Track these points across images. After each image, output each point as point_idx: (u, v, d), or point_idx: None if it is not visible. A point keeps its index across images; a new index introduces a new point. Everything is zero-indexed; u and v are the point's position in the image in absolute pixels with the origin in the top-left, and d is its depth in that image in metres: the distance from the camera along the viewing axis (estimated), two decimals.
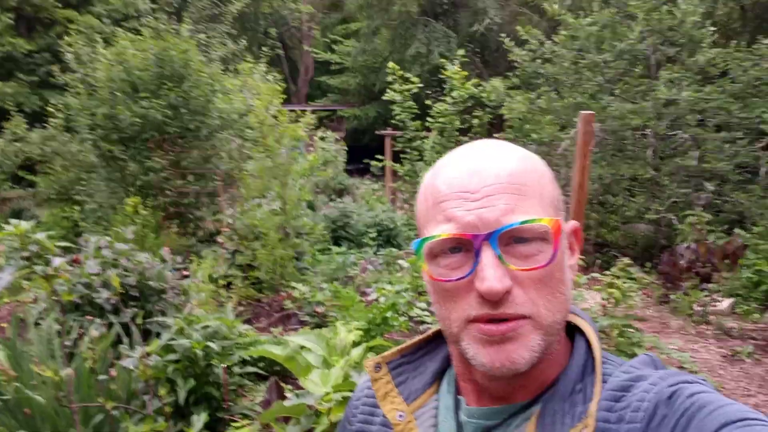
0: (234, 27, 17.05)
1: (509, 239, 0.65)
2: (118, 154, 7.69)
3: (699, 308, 5.60)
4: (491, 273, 0.63)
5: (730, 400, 0.59)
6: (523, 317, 0.65)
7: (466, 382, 0.77)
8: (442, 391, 0.81)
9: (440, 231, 0.66)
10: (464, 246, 0.66)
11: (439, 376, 0.82)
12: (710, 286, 6.01)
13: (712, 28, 8.13)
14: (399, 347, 0.85)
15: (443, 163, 0.73)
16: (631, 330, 3.20)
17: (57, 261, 2.59)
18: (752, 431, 0.54)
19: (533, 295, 0.65)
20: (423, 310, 4.31)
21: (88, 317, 3.28)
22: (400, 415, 0.78)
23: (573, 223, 0.75)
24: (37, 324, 3.35)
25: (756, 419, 0.56)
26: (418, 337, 0.86)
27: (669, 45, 8.52)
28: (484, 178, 0.66)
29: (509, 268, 0.64)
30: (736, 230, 6.64)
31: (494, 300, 0.64)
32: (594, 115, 5.07)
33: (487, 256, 0.64)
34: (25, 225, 2.38)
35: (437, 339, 0.85)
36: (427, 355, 0.85)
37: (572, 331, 0.77)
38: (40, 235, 2.38)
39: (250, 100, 7.44)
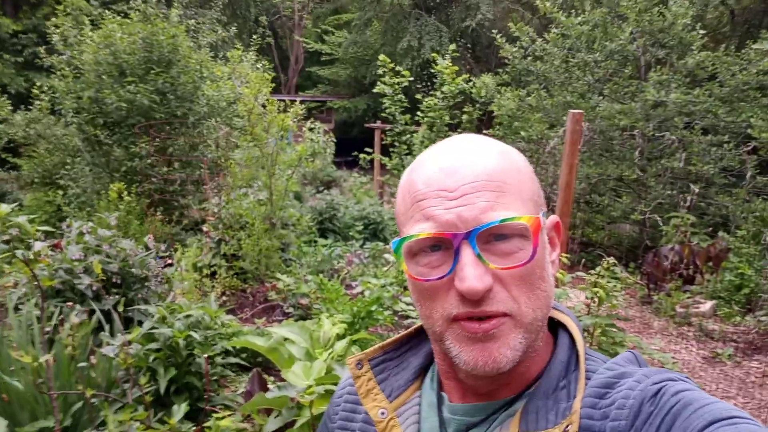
0: (224, 14, 16.92)
1: (489, 237, 0.64)
2: (103, 138, 7.60)
3: (681, 310, 5.66)
4: (471, 272, 0.62)
5: (715, 398, 0.59)
6: (505, 315, 0.64)
7: (449, 380, 0.77)
8: (425, 388, 0.80)
9: (419, 230, 0.66)
10: (444, 245, 0.66)
11: (422, 373, 0.82)
12: (693, 287, 6.07)
13: (702, 32, 8.19)
14: (381, 344, 0.85)
15: (421, 160, 0.72)
16: (614, 329, 3.22)
17: (38, 245, 2.54)
18: (739, 429, 0.53)
19: (514, 293, 0.65)
20: (408, 304, 4.30)
21: (69, 303, 3.23)
22: (382, 413, 0.77)
23: (553, 218, 0.74)
24: (16, 309, 3.30)
25: (742, 417, 0.56)
26: (400, 334, 0.86)
27: (659, 47, 8.57)
28: (463, 176, 0.66)
29: (489, 266, 0.64)
30: (720, 233, 6.71)
31: (474, 299, 0.63)
32: (583, 114, 5.08)
33: (467, 255, 0.63)
34: (5, 208, 2.32)
35: (420, 335, 0.85)
36: (410, 351, 0.85)
37: (555, 326, 0.77)
38: (21, 219, 2.32)
39: (238, 88, 7.37)
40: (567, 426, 0.64)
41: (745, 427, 0.54)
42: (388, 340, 0.85)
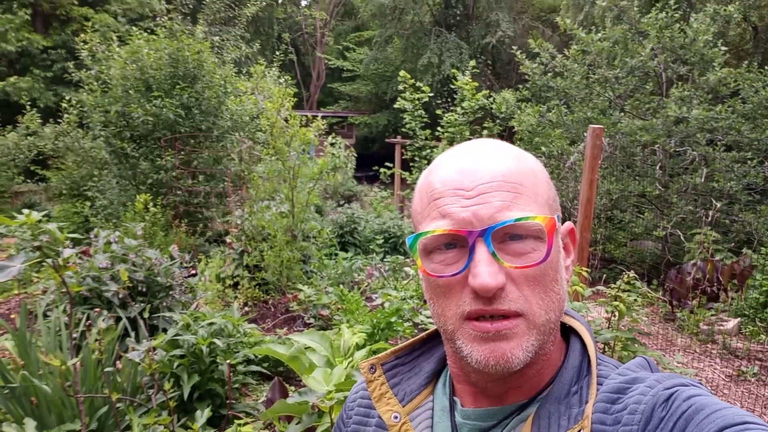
0: (248, 30, 17.21)
1: (504, 236, 0.65)
2: (130, 151, 7.76)
3: (705, 327, 5.57)
4: (485, 269, 0.63)
5: (727, 404, 0.59)
6: (517, 315, 0.64)
7: (462, 384, 0.77)
8: (438, 393, 0.81)
9: (435, 227, 0.66)
10: (459, 242, 0.66)
11: (434, 377, 0.82)
12: (717, 305, 5.98)
13: (724, 48, 8.14)
14: (394, 349, 0.85)
15: (439, 161, 0.73)
16: (636, 345, 3.20)
17: (67, 252, 2.62)
18: None
19: (526, 293, 0.65)
20: (427, 317, 4.32)
21: (96, 310, 3.30)
22: (396, 417, 0.78)
23: (568, 224, 0.75)
24: (45, 315, 3.38)
25: (755, 423, 0.55)
26: (413, 339, 0.86)
27: (680, 63, 8.54)
28: (480, 176, 0.66)
29: (503, 265, 0.64)
30: (745, 250, 6.61)
31: (487, 296, 0.64)
32: (603, 129, 5.08)
33: (481, 252, 0.64)
34: (36, 215, 2.40)
35: (433, 340, 0.86)
36: (423, 356, 0.85)
37: (567, 332, 0.77)
38: (51, 226, 2.40)
39: (261, 103, 7.49)
40: (579, 431, 0.64)
41: None
42: (401, 345, 0.86)
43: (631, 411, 0.63)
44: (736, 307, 5.96)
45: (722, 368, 4.90)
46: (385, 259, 7.50)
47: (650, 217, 8.06)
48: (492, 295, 0.64)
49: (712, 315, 5.78)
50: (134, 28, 8.91)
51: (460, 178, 0.67)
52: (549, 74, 9.61)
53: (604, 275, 6.89)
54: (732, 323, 5.67)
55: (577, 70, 9.02)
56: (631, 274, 3.16)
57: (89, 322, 3.26)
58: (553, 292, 0.67)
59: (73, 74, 9.06)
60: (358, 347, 3.09)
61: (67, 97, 10.06)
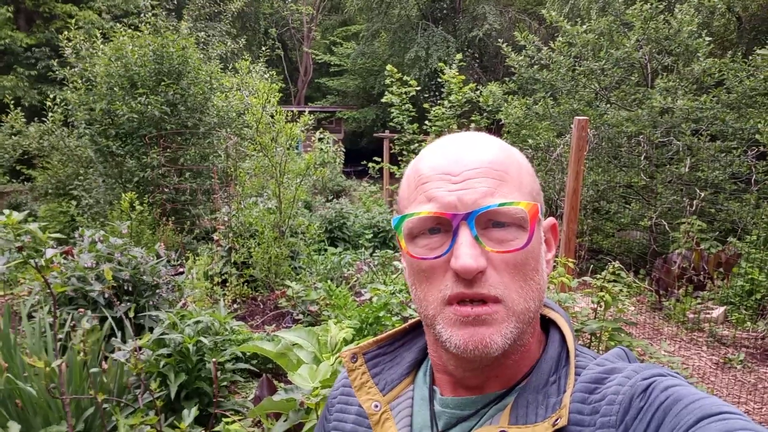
0: (233, 26, 17.10)
1: (487, 222, 0.66)
2: (115, 149, 7.70)
3: (692, 315, 5.63)
4: (467, 251, 0.64)
5: (705, 393, 0.60)
6: (497, 300, 0.65)
7: (442, 373, 0.78)
8: (418, 382, 0.81)
9: (421, 209, 0.68)
10: (443, 227, 0.67)
11: (415, 367, 0.83)
12: (703, 293, 6.04)
13: (708, 39, 8.19)
14: (376, 338, 0.86)
15: (427, 150, 0.74)
16: (622, 334, 3.22)
17: (50, 252, 2.59)
18: (729, 425, 0.54)
19: (506, 280, 0.66)
20: (416, 311, 4.32)
21: (81, 310, 3.28)
22: (376, 406, 0.79)
23: (550, 219, 0.76)
24: (30, 317, 3.35)
25: (732, 413, 0.56)
26: (394, 329, 0.87)
27: (665, 54, 8.58)
28: (466, 163, 0.68)
29: (485, 249, 0.65)
30: (730, 239, 6.68)
31: (468, 278, 0.65)
32: (588, 121, 5.10)
33: (464, 235, 0.65)
34: (17, 215, 2.38)
35: (415, 330, 0.87)
36: (404, 345, 0.86)
37: (546, 324, 0.78)
38: (33, 226, 2.38)
39: (247, 99, 7.44)
40: (556, 420, 0.65)
41: (734, 422, 0.54)
42: (383, 335, 0.86)
43: (609, 401, 0.64)
44: (722, 296, 6.02)
45: (709, 356, 4.96)
46: (374, 254, 7.50)
47: (636, 208, 8.11)
48: (473, 279, 0.65)
49: (698, 303, 5.84)
50: (118, 24, 8.82)
51: (448, 164, 0.69)
52: (535, 67, 9.63)
53: (592, 266, 6.93)
54: (718, 311, 5.73)
55: (563, 62, 9.05)
56: (617, 264, 3.18)
57: (74, 322, 3.23)
58: (533, 281, 0.68)
59: (57, 72, 8.96)
60: (346, 342, 3.09)
61: (52, 96, 9.94)
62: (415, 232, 0.69)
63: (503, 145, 0.73)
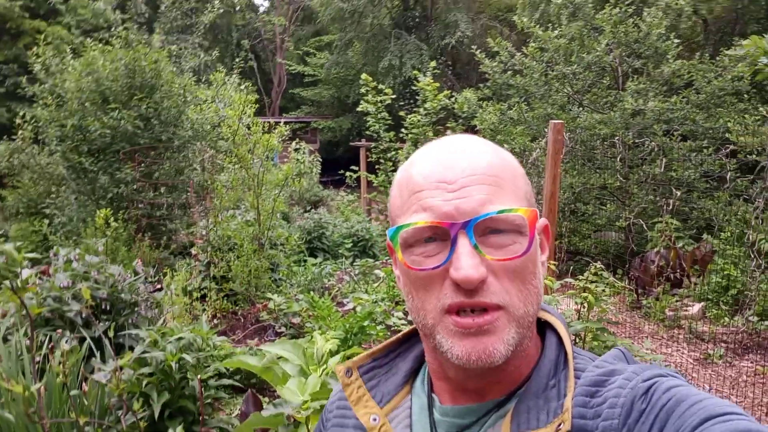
0: (206, 38, 16.99)
1: (485, 230, 0.65)
2: (88, 166, 7.57)
3: (671, 313, 5.71)
4: (467, 261, 0.62)
5: (707, 394, 0.59)
6: (498, 307, 0.64)
7: (440, 380, 0.76)
8: (416, 391, 0.80)
9: (416, 219, 0.66)
10: (439, 236, 0.66)
11: (411, 376, 0.82)
12: (681, 291, 6.13)
13: (677, 41, 8.37)
14: (370, 351, 0.85)
15: (418, 155, 0.73)
16: (606, 334, 3.25)
17: (25, 273, 2.53)
18: (734, 426, 0.53)
19: (507, 286, 0.65)
20: (400, 318, 4.31)
21: (59, 331, 3.20)
22: (374, 419, 0.77)
23: (543, 221, 0.75)
24: (5, 339, 3.26)
25: (736, 413, 0.55)
26: (389, 340, 0.85)
27: (635, 57, 8.75)
28: (462, 169, 0.66)
29: (485, 257, 0.64)
30: (705, 236, 6.80)
31: (469, 288, 0.63)
32: (564, 124, 5.16)
33: (463, 244, 0.63)
34: None
35: (409, 340, 0.85)
36: (399, 356, 0.85)
37: (542, 328, 0.77)
38: (8, 246, 2.32)
39: (222, 111, 7.38)
40: (559, 425, 0.64)
41: (738, 423, 0.54)
42: (377, 347, 0.85)
43: (610, 404, 0.63)
44: (699, 292, 6.12)
45: (689, 352, 5.03)
46: (354, 263, 7.47)
47: (612, 209, 8.22)
48: (474, 288, 0.63)
49: (676, 301, 5.93)
50: (88, 39, 8.69)
51: (442, 171, 0.67)
52: (509, 72, 9.73)
53: (571, 267, 7.00)
54: (696, 308, 5.82)
55: (535, 67, 9.16)
56: (598, 265, 3.21)
57: (52, 344, 3.15)
58: (532, 286, 0.67)
59: (26, 89, 8.79)
60: (332, 354, 3.06)
61: (21, 113, 9.75)
62: (411, 241, 0.67)
63: (496, 149, 0.71)
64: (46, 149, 9.33)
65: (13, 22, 16.79)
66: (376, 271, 6.01)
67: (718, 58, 7.93)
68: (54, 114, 7.81)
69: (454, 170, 0.67)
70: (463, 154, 0.68)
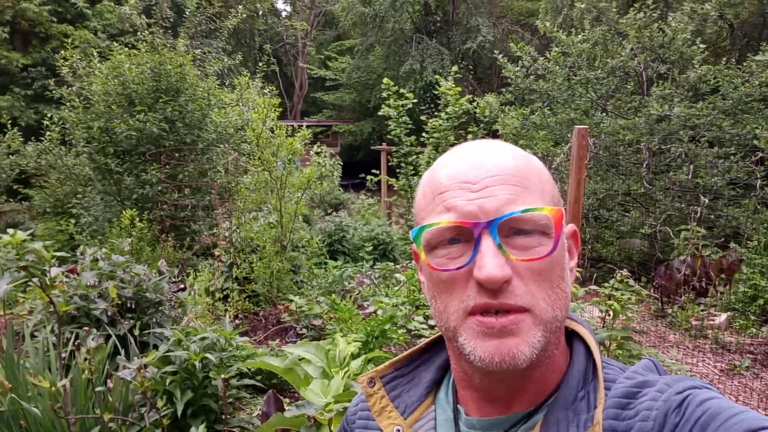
0: (229, 43, 17.17)
1: (509, 230, 0.64)
2: (114, 167, 7.68)
3: (696, 322, 5.61)
4: (491, 261, 0.61)
5: (743, 407, 0.58)
6: (523, 310, 0.63)
7: (466, 389, 0.75)
8: (440, 402, 0.79)
9: (440, 219, 0.65)
10: (463, 236, 0.65)
11: (435, 387, 0.81)
12: (706, 300, 6.02)
13: (702, 46, 8.26)
14: (392, 360, 0.83)
15: (444, 158, 0.72)
16: (631, 342, 3.21)
17: (54, 271, 2.57)
18: None
19: (532, 288, 0.63)
20: (421, 323, 4.30)
21: (85, 329, 3.25)
22: (398, 430, 0.76)
23: (571, 226, 0.74)
24: (33, 336, 3.32)
25: None
26: (411, 349, 0.84)
27: (660, 62, 8.64)
28: (486, 170, 0.66)
29: (509, 257, 0.62)
30: (732, 245, 6.68)
31: (493, 288, 0.62)
32: (588, 130, 5.11)
33: (487, 244, 0.62)
34: (21, 234, 2.36)
35: (432, 349, 0.84)
36: (422, 365, 0.83)
37: (570, 337, 0.76)
38: (37, 245, 2.36)
39: (246, 114, 7.45)
40: None
41: None
42: (400, 356, 0.84)
43: (642, 417, 0.61)
44: (725, 302, 6.01)
45: (715, 363, 4.93)
46: (374, 266, 7.48)
47: (636, 215, 8.12)
48: (498, 289, 0.62)
49: (702, 310, 5.82)
50: (115, 43, 8.84)
51: (466, 172, 0.66)
52: (531, 77, 9.68)
53: (594, 274, 6.92)
54: (722, 317, 5.71)
55: (558, 72, 9.10)
56: (624, 272, 3.17)
57: (78, 341, 3.20)
58: (560, 289, 0.66)
59: (53, 91, 8.97)
60: (354, 357, 3.07)
61: (49, 115, 9.94)
62: (434, 243, 0.66)
63: (521, 152, 0.70)
64: (72, 150, 9.49)
65: (41, 27, 17.15)
66: (397, 275, 6.00)
67: (744, 64, 7.80)
68: (81, 116, 7.95)
69: (478, 171, 0.66)
70: (488, 156, 0.68)
